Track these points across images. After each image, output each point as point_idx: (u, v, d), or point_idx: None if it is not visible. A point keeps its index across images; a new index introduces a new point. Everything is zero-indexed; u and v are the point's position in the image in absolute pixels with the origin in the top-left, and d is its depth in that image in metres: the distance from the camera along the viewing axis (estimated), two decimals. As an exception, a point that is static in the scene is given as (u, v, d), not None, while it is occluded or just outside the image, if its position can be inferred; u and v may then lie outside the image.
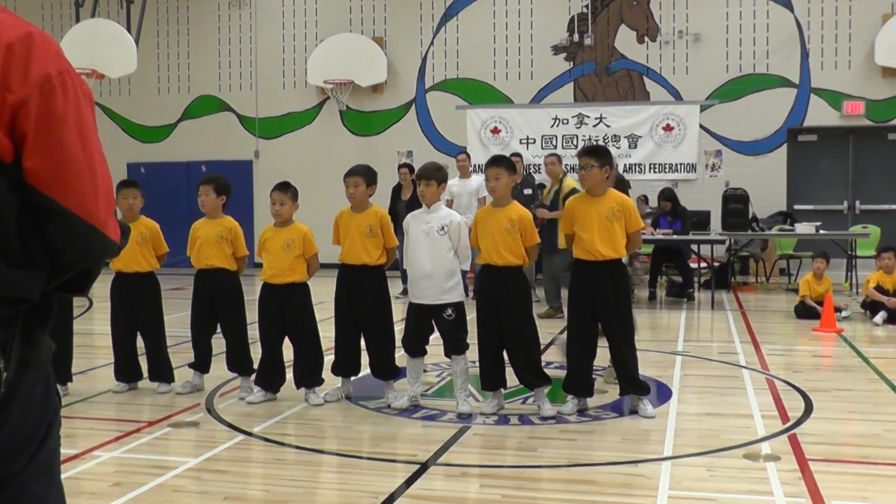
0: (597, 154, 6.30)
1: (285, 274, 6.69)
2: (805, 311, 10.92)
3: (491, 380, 6.50)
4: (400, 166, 14.10)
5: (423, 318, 6.51)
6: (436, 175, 6.49)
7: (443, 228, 6.40)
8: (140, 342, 7.26)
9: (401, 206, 12.65)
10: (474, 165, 16.41)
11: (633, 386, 6.36)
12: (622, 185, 13.22)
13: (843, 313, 10.84)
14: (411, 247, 6.52)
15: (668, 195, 13.48)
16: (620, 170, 15.24)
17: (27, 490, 1.80)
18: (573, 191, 9.39)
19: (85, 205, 1.76)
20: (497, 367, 6.49)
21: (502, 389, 6.55)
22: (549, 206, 11.12)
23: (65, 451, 2.27)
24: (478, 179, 13.14)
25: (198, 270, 7.12)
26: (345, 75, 17.24)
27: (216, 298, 7.06)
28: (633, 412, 6.33)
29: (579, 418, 6.27)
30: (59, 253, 1.77)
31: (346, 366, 6.88)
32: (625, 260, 6.52)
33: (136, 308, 7.17)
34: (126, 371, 7.22)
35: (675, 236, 12.92)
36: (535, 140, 16.62)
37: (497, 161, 6.49)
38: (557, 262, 10.56)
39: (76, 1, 17.84)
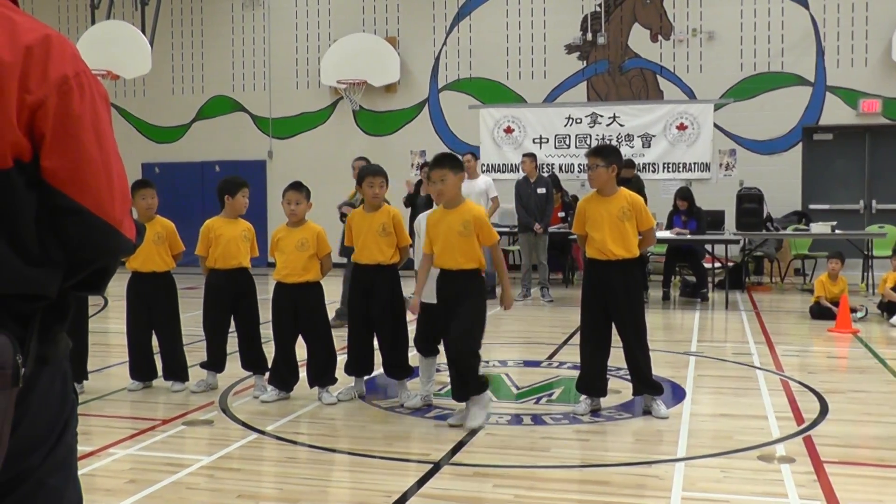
0: (603, 154, 6.30)
1: (299, 273, 6.69)
2: (820, 312, 10.87)
3: (357, 365, 6.85)
4: (422, 165, 14.10)
5: (435, 317, 6.50)
6: None
7: (455, 227, 6.39)
8: (155, 341, 7.29)
9: (420, 201, 12.61)
10: (486, 165, 16.44)
11: (647, 386, 6.35)
12: (638, 185, 13.19)
13: (858, 314, 10.79)
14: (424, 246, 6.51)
15: (684, 194, 13.42)
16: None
17: (45, 485, 1.82)
18: None
19: (101, 203, 1.79)
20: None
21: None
22: (354, 205, 10.36)
23: (80, 448, 2.29)
24: (485, 180, 13.14)
25: (212, 270, 7.11)
26: (358, 75, 17.26)
27: (235, 297, 7.08)
28: (647, 412, 6.32)
29: (592, 418, 6.26)
30: (76, 251, 1.80)
31: (359, 365, 6.89)
32: None
33: (153, 307, 7.20)
34: (141, 370, 7.25)
35: (689, 236, 12.87)
36: (548, 139, 16.62)
37: (440, 162, 6.08)
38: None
39: (91, 3, 17.91)
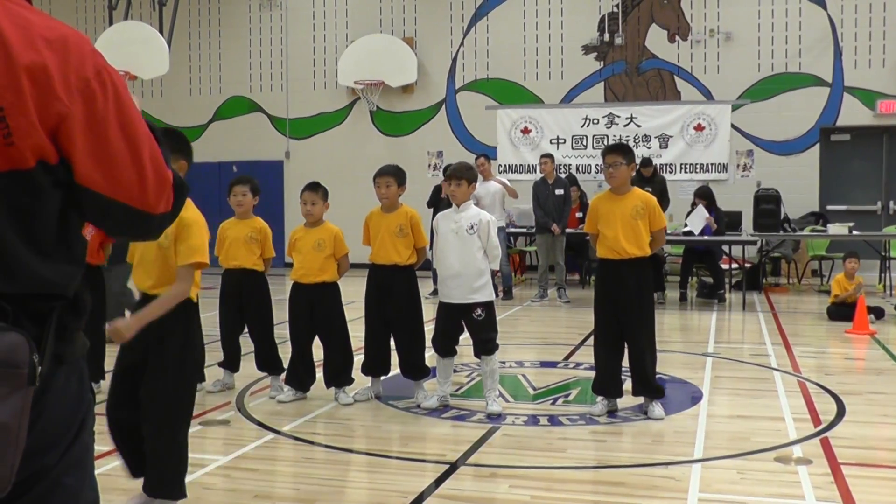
0: (623, 151, 6.32)
1: (316, 274, 6.71)
2: (837, 313, 10.82)
3: (374, 365, 6.90)
4: (445, 168, 14.09)
5: (452, 318, 6.51)
6: (466, 175, 6.49)
7: (472, 227, 6.39)
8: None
9: (443, 205, 12.64)
10: (503, 166, 16.43)
11: (647, 389, 6.33)
12: (661, 185, 13.10)
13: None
14: (440, 246, 6.52)
15: (703, 193, 13.35)
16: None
17: (61, 484, 1.81)
18: None
19: (133, 195, 1.83)
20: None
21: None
22: None
23: (97, 448, 2.29)
24: (500, 180, 13.12)
25: (225, 270, 7.16)
26: (375, 76, 17.28)
27: (243, 298, 7.10)
28: (644, 413, 6.31)
29: (609, 419, 6.25)
30: (117, 236, 2.04)
31: (375, 365, 6.90)
32: None
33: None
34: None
35: (706, 237, 12.82)
36: (565, 140, 16.58)
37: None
38: (115, 274, 8.14)
39: (109, 3, 17.99)
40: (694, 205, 13.32)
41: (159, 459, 4.21)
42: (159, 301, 4.11)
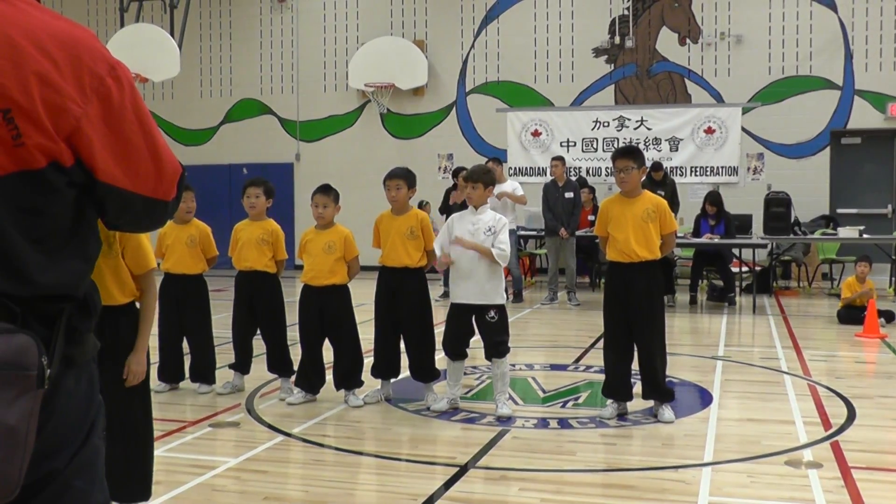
0: (634, 155, 6.31)
1: (326, 276, 6.71)
2: (848, 317, 10.79)
3: (384, 368, 6.90)
4: (455, 172, 14.09)
5: (464, 319, 6.50)
6: (483, 178, 6.51)
7: (490, 230, 6.39)
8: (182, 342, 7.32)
9: (454, 209, 12.65)
10: (514, 168, 16.43)
11: (657, 392, 6.32)
12: (672, 188, 13.08)
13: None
14: (455, 247, 6.51)
15: (713, 199, 13.33)
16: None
17: (70, 487, 1.80)
18: None
19: (150, 185, 1.85)
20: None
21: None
22: None
23: (109, 450, 2.29)
24: (511, 184, 13.10)
25: (238, 272, 7.17)
26: (386, 78, 17.30)
27: (255, 300, 7.11)
28: (654, 416, 6.31)
29: (619, 422, 6.25)
30: (132, 228, 2.00)
31: (385, 368, 6.91)
32: None
33: (184, 310, 7.20)
34: (169, 371, 7.28)
35: (717, 240, 12.79)
36: (575, 143, 16.57)
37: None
38: None
39: (121, 6, 18.06)
40: (704, 210, 13.30)
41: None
42: (144, 321, 4.05)
